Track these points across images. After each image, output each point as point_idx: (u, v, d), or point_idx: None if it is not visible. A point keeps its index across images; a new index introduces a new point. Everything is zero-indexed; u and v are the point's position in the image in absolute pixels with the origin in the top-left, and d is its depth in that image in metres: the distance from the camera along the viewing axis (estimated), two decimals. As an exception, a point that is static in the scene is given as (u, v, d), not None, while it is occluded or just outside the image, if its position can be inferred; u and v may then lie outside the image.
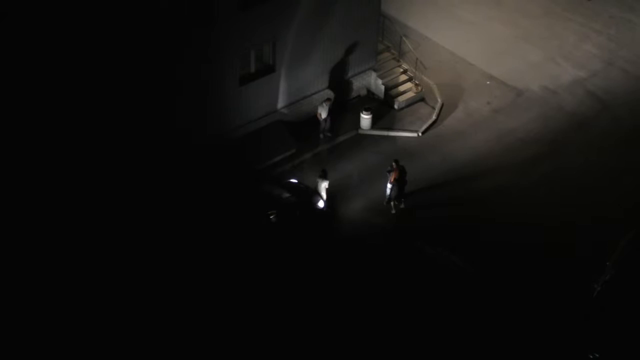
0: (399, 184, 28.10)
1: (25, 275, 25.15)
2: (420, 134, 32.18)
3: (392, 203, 28.67)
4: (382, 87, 33.29)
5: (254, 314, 25.10)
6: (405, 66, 34.30)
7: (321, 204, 28.32)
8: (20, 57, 23.69)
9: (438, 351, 24.45)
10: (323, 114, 30.90)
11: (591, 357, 24.11)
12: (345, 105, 32.78)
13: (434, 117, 32.86)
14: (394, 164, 28.11)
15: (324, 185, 28.21)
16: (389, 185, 28.37)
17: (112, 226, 26.53)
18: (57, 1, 23.38)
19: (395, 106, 33.17)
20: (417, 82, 33.77)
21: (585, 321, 25.01)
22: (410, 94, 33.46)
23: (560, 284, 26.27)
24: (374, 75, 33.38)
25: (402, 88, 33.64)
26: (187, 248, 26.55)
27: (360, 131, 32.20)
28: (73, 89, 25.02)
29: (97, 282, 25.42)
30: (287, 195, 28.29)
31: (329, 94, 31.73)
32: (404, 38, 34.16)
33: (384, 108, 33.05)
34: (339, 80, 32.36)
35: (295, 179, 29.33)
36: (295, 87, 31.02)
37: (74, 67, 24.72)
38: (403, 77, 33.99)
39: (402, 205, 28.74)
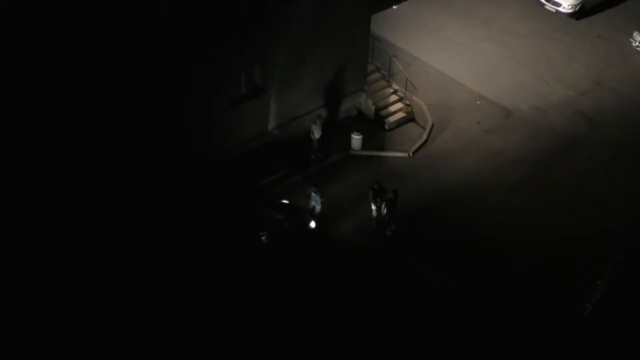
0: (391, 206, 28.09)
1: (26, 276, 25.25)
2: (411, 154, 32.25)
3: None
4: (373, 108, 33.37)
5: (244, 330, 25.06)
6: (395, 86, 34.42)
7: (312, 224, 28.30)
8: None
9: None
10: (316, 133, 30.95)
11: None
12: (335, 126, 32.82)
13: (424, 137, 32.94)
14: (376, 186, 28.30)
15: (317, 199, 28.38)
16: (374, 208, 28.47)
17: (103, 238, 26.69)
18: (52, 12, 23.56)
19: (386, 126, 33.24)
20: (407, 103, 33.87)
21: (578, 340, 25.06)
22: (400, 114, 33.56)
23: (552, 302, 26.26)
24: (364, 95, 33.48)
25: (392, 108, 33.74)
26: (176, 266, 26.59)
27: (351, 152, 32.23)
28: (70, 94, 25.12)
29: (95, 284, 25.57)
30: (278, 216, 28.26)
31: (320, 111, 31.75)
32: (393, 58, 34.30)
33: (375, 128, 33.12)
34: (329, 101, 32.43)
35: (287, 199, 29.32)
36: (286, 108, 31.06)
37: (73, 73, 24.84)
38: (393, 98, 34.10)
39: (393, 227, 28.69)
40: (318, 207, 28.52)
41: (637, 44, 38.03)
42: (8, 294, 24.88)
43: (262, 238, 27.16)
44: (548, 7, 40.29)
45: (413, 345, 24.96)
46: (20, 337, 24.14)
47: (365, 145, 32.24)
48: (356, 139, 31.98)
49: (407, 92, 33.97)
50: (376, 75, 34.47)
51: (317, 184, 28.52)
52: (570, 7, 39.72)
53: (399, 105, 33.89)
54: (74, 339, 24.32)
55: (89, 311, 24.99)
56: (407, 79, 33.83)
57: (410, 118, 33.70)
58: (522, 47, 38.06)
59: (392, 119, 33.42)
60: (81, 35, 24.23)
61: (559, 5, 39.93)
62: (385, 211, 28.17)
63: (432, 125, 33.61)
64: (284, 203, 29.07)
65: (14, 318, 24.49)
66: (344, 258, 27.69)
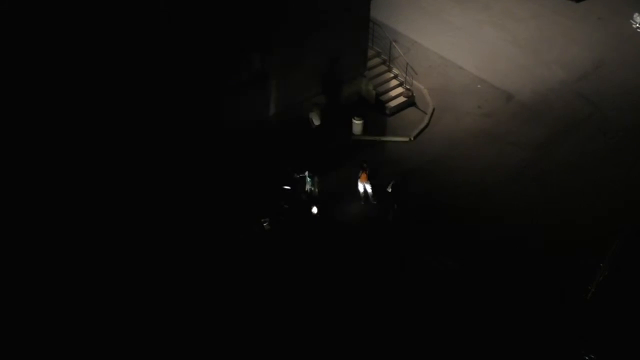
0: (397, 193, 28.15)
1: (26, 275, 25.28)
2: (412, 139, 32.27)
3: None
4: (373, 93, 33.38)
5: (248, 317, 25.12)
6: (395, 71, 34.41)
7: (314, 210, 28.35)
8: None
9: (432, 355, 24.51)
10: (315, 120, 30.93)
11: (586, 358, 24.20)
12: (336, 111, 32.82)
13: (425, 122, 32.95)
14: (364, 164, 28.45)
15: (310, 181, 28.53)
16: (360, 185, 28.60)
17: (107, 228, 26.72)
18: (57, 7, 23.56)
19: (387, 111, 33.26)
20: (408, 87, 33.87)
21: (580, 323, 25.14)
22: (401, 99, 33.57)
23: (554, 285, 26.34)
24: (364, 80, 33.46)
25: (393, 93, 33.75)
26: (181, 252, 26.63)
27: (352, 137, 32.25)
28: (71, 91, 25.13)
29: (97, 282, 25.57)
30: (280, 201, 28.32)
31: (318, 99, 31.75)
32: (393, 43, 34.27)
33: (376, 113, 33.13)
34: (329, 87, 32.42)
35: (289, 185, 29.36)
36: (287, 93, 31.06)
37: (73, 70, 24.84)
38: (394, 82, 34.11)
39: (395, 213, 28.70)
40: (315, 190, 28.64)
41: (637, 25, 38.00)
42: (7, 293, 24.92)
43: (264, 224, 27.22)
44: (548, -10, 40.27)
45: (419, 329, 25.10)
46: (20, 336, 24.15)
47: (366, 130, 32.25)
48: (357, 124, 32.00)
49: (407, 77, 33.96)
50: (376, 60, 34.47)
51: (310, 170, 28.63)
52: (570, -11, 39.71)
53: (400, 90, 33.90)
54: (73, 338, 24.32)
55: (88, 308, 25.00)
56: (407, 63, 33.81)
57: (411, 103, 33.71)
58: (523, 31, 38.01)
59: (392, 103, 33.43)
60: (81, 27, 24.22)
61: (558, -13, 39.93)
62: (391, 195, 28.34)
63: (433, 109, 33.62)
64: (285, 189, 29.10)
65: (13, 317, 24.52)
66: (345, 243, 27.76)
